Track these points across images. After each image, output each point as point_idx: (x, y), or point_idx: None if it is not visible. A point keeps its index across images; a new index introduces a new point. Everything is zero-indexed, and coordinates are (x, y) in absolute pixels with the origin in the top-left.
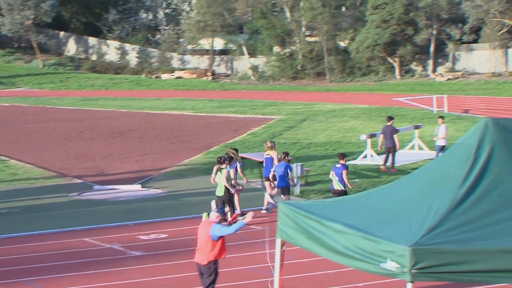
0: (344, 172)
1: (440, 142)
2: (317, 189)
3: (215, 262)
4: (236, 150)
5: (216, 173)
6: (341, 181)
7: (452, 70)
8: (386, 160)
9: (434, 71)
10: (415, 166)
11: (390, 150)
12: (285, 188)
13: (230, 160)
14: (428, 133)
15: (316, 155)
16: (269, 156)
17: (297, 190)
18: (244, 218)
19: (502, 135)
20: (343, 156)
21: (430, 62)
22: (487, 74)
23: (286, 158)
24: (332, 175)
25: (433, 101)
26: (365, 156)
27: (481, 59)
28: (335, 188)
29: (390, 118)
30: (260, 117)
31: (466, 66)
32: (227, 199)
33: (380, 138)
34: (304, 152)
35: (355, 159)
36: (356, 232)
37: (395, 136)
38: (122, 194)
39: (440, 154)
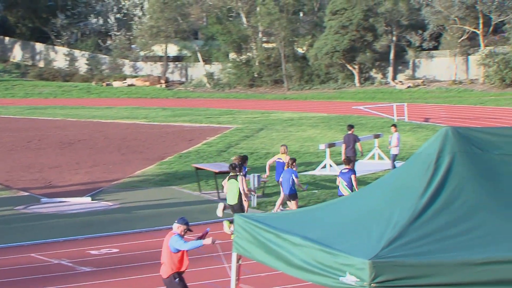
0: (353, 176)
1: (393, 151)
2: (274, 201)
3: (176, 276)
4: (246, 157)
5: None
6: (349, 186)
7: (413, 77)
8: None
9: (394, 78)
10: (375, 176)
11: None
12: (292, 195)
13: (240, 167)
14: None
15: (273, 165)
16: (281, 160)
17: (254, 202)
18: (205, 239)
19: (462, 145)
20: (349, 161)
21: (390, 69)
22: (448, 81)
23: (293, 164)
24: (339, 181)
25: (393, 110)
26: (324, 166)
27: (441, 66)
28: (343, 194)
29: (351, 126)
30: (216, 126)
31: (427, 73)
32: (239, 208)
33: (343, 148)
34: (262, 162)
35: (314, 169)
36: (314, 245)
37: (358, 144)
38: (72, 207)
39: (397, 163)
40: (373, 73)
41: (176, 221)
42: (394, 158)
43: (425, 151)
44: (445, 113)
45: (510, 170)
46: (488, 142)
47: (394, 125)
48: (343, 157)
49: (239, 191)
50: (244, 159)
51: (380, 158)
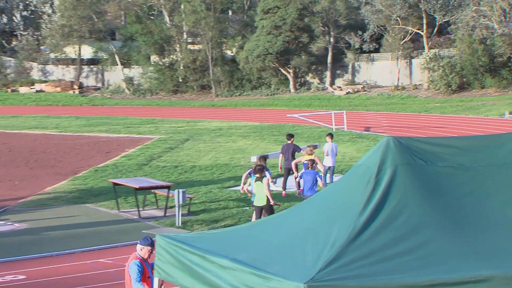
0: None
1: (327, 162)
2: (201, 219)
3: None
4: (266, 156)
5: (249, 183)
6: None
7: (352, 82)
8: (285, 184)
9: (332, 83)
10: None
11: (290, 171)
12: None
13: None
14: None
15: (200, 180)
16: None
17: (178, 221)
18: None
19: (405, 156)
20: (312, 162)
21: (328, 73)
22: (390, 87)
23: (314, 165)
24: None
25: (331, 118)
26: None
27: (383, 70)
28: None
29: (291, 136)
30: (136, 136)
31: (367, 78)
32: (268, 208)
33: (280, 158)
34: (187, 176)
35: (245, 183)
36: (245, 268)
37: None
38: None
39: (335, 177)
40: (309, 78)
41: (139, 242)
42: (326, 171)
43: (365, 163)
44: (387, 122)
45: (456, 183)
46: (432, 153)
47: (330, 134)
48: (279, 168)
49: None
50: (265, 158)
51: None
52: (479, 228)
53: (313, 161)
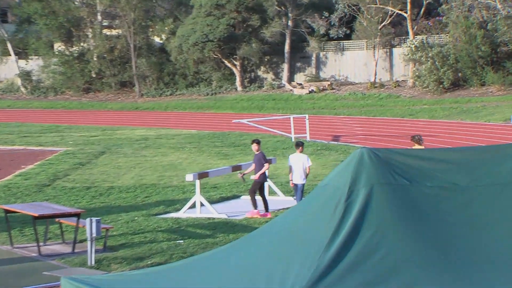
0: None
1: (296, 179)
2: (121, 257)
3: None
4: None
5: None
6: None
7: (316, 78)
8: (254, 200)
9: (290, 80)
10: (264, 220)
11: (255, 184)
12: None
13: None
14: (284, 171)
15: (120, 206)
16: None
17: (91, 259)
18: None
19: (384, 173)
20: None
21: (285, 67)
22: (365, 84)
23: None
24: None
25: (290, 124)
26: (193, 206)
27: (356, 63)
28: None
29: (257, 141)
30: (35, 149)
31: (336, 72)
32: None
33: (252, 167)
34: (102, 201)
35: (178, 210)
36: None
37: (266, 165)
38: None
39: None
40: (261, 72)
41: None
42: (302, 189)
43: (332, 182)
44: (361, 129)
45: (448, 209)
46: (418, 170)
47: (299, 144)
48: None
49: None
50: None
51: (273, 193)
52: (476, 268)
53: None
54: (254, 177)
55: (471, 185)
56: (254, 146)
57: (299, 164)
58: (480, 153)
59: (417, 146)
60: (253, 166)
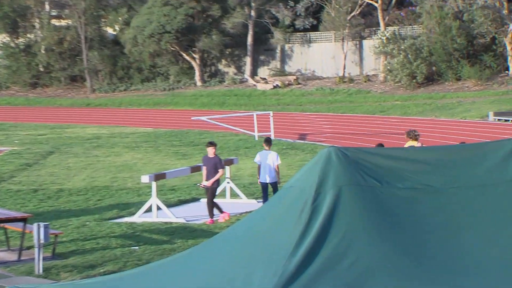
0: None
1: (264, 178)
2: (72, 264)
3: None
4: None
5: None
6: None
7: (282, 72)
8: (212, 209)
9: (254, 74)
10: (225, 224)
11: (212, 190)
12: None
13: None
14: (247, 172)
15: (70, 210)
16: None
17: (39, 267)
18: None
19: (352, 174)
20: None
21: (248, 60)
22: (334, 78)
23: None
24: None
25: (253, 121)
26: (149, 210)
27: (323, 56)
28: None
29: (214, 144)
30: None
31: (302, 66)
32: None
33: (204, 172)
34: (51, 204)
35: (132, 214)
36: None
37: (221, 171)
38: None
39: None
40: (222, 66)
41: None
42: (275, 188)
43: (298, 184)
44: (329, 126)
45: (421, 212)
46: (389, 171)
47: (268, 140)
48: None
49: None
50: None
51: (234, 195)
52: (451, 274)
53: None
54: (207, 183)
55: (446, 187)
56: (211, 150)
57: (268, 162)
58: (456, 153)
59: (411, 143)
60: (204, 170)
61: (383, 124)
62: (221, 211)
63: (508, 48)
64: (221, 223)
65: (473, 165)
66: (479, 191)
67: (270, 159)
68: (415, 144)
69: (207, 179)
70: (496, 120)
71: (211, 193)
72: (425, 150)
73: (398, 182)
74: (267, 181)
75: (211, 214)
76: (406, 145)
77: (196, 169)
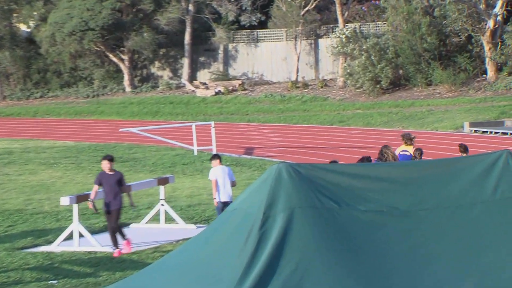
0: None
1: (224, 197)
2: None
3: None
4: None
5: None
6: None
7: (225, 76)
8: (116, 237)
9: (192, 78)
10: (160, 253)
11: (116, 214)
12: None
13: None
14: (184, 192)
15: None
16: (407, 153)
17: None
18: None
19: (307, 195)
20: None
21: (186, 62)
22: (285, 84)
23: (421, 157)
24: None
25: (192, 133)
26: (70, 237)
27: (273, 57)
28: None
29: (110, 158)
30: None
31: (249, 69)
32: None
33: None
34: None
35: (50, 242)
36: None
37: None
38: None
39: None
40: (155, 69)
41: None
42: (221, 209)
43: (243, 206)
44: (280, 139)
45: (386, 238)
46: (349, 190)
47: (216, 156)
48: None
49: None
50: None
51: (169, 219)
52: None
53: (421, 152)
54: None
55: (414, 209)
56: (106, 164)
57: (224, 179)
58: (426, 170)
59: (405, 148)
60: (95, 188)
61: (343, 136)
62: (123, 237)
63: (486, 48)
64: (150, 253)
65: (445, 184)
66: (452, 213)
67: (226, 174)
68: (410, 149)
69: (108, 201)
70: (473, 131)
71: (115, 217)
72: (390, 166)
73: (359, 203)
74: (227, 200)
75: (116, 243)
76: (398, 151)
77: (126, 188)
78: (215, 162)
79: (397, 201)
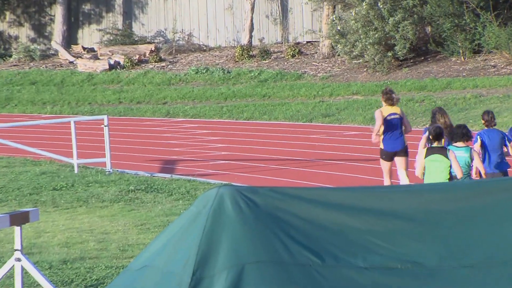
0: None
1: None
2: None
3: None
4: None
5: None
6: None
7: (127, 38)
8: None
9: (70, 42)
10: None
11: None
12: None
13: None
14: (57, 237)
15: None
16: (397, 116)
17: None
18: None
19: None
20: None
21: (58, 13)
22: (231, 50)
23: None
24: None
25: (71, 137)
26: None
27: (209, 4)
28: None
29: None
30: None
31: (168, 26)
32: None
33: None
34: None
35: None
36: None
37: None
38: None
39: None
40: (5, 25)
41: None
42: None
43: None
44: (221, 146)
45: None
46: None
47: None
48: None
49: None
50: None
51: (31, 285)
52: None
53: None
54: None
55: (449, 265)
56: None
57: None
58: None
59: (387, 108)
60: None
61: (329, 141)
62: None
63: None
64: None
65: (494, 222)
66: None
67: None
68: (396, 111)
69: None
70: None
71: None
72: (407, 191)
73: (357, 256)
74: None
75: None
76: (378, 113)
77: None
78: None
79: (420, 251)
